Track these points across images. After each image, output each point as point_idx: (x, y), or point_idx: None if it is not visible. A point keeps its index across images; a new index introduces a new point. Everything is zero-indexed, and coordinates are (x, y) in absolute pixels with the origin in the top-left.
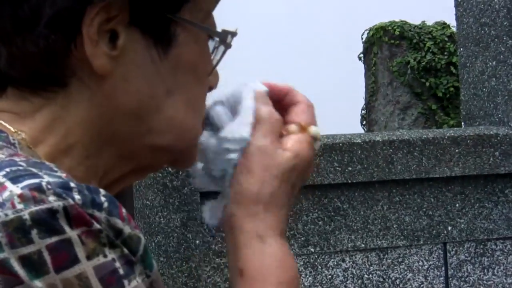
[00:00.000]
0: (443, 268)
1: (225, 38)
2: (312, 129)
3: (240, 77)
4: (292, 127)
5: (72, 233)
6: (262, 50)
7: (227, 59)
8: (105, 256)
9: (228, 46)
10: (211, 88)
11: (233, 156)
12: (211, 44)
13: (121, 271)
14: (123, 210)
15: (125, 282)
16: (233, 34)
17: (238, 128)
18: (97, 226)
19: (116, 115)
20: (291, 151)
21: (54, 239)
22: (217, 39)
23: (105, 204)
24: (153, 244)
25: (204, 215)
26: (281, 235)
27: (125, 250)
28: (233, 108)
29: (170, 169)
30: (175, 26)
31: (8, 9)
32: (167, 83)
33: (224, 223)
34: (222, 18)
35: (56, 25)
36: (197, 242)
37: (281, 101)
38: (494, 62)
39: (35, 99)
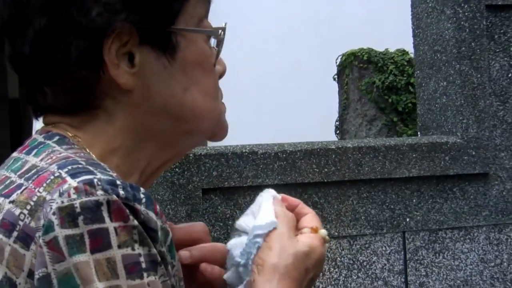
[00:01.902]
0: (402, 252)
1: (218, 34)
2: (322, 232)
3: (236, 91)
4: (305, 229)
5: (110, 224)
6: (253, 70)
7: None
8: (133, 249)
9: (221, 39)
10: (221, 75)
11: (259, 240)
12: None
13: (143, 265)
14: (158, 207)
15: (144, 274)
16: (223, 29)
17: (266, 217)
18: (133, 222)
19: (147, 117)
20: (305, 242)
21: (95, 226)
22: (212, 36)
23: (144, 200)
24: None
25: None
26: None
27: (153, 250)
28: (255, 213)
29: (177, 169)
30: (175, 36)
31: (46, 58)
32: (181, 81)
33: None
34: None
35: (83, 62)
36: None
37: (292, 211)
38: (445, 83)
39: (82, 117)
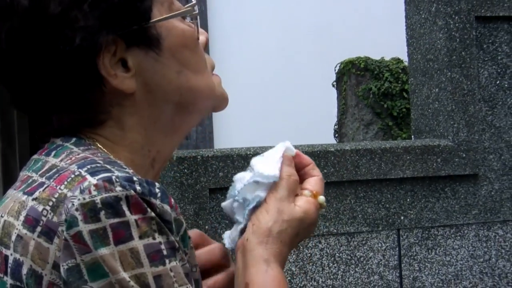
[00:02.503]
0: (397, 248)
1: (191, 11)
2: (320, 198)
3: (241, 97)
4: (306, 192)
5: (130, 217)
6: (257, 77)
7: (234, 84)
8: (154, 238)
9: (195, 14)
10: (206, 44)
11: (262, 194)
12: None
13: (164, 252)
14: (172, 200)
15: (166, 260)
16: (194, 4)
17: (270, 168)
18: (150, 214)
19: (151, 110)
20: (301, 207)
21: (116, 220)
22: (188, 15)
23: (159, 194)
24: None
25: (224, 241)
26: (281, 265)
27: (171, 237)
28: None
29: (185, 170)
30: (154, 29)
31: (48, 94)
32: (174, 66)
33: (238, 244)
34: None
35: (84, 85)
36: (206, 227)
37: (302, 169)
38: (437, 89)
39: (94, 127)
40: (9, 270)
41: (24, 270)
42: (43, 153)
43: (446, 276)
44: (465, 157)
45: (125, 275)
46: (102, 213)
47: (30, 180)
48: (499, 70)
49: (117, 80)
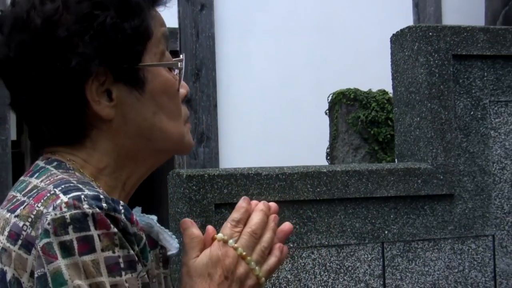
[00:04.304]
0: (381, 259)
1: (177, 65)
2: (218, 236)
3: (243, 123)
4: (219, 235)
5: (94, 232)
6: (258, 106)
7: (238, 109)
8: (114, 252)
9: (181, 68)
10: (185, 96)
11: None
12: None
13: (122, 265)
14: (134, 216)
15: (123, 272)
16: (181, 60)
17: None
18: (113, 230)
19: (125, 140)
20: (203, 255)
21: (82, 233)
22: (174, 67)
23: (123, 211)
24: (181, 239)
25: (175, 245)
26: None
27: (131, 251)
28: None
29: (194, 187)
30: (142, 72)
31: (40, 104)
32: (151, 107)
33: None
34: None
35: (70, 103)
36: None
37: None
38: (418, 118)
39: (74, 145)
40: None
41: (8, 278)
42: (28, 175)
43: (424, 284)
44: (442, 178)
45: (82, 283)
46: (71, 227)
47: (15, 200)
48: (473, 102)
49: (99, 106)
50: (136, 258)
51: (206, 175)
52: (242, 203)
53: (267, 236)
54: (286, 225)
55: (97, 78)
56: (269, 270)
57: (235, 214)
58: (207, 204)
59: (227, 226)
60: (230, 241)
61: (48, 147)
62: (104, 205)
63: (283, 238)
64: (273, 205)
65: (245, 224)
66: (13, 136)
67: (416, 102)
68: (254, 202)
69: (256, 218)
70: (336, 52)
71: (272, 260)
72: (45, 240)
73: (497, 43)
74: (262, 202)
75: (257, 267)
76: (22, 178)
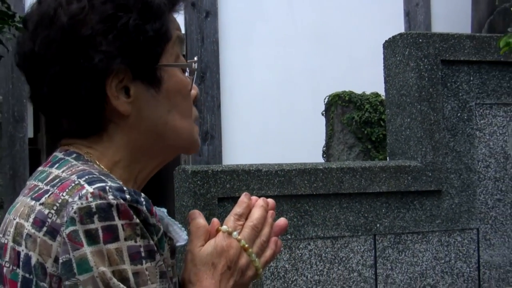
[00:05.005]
0: (373, 251)
1: (191, 66)
2: (223, 228)
3: (246, 125)
4: (223, 227)
5: (118, 222)
6: (259, 108)
7: (238, 112)
8: (135, 241)
9: (194, 70)
10: (195, 97)
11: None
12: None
13: (143, 254)
14: (154, 208)
15: (143, 261)
16: (195, 62)
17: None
18: (136, 220)
19: (140, 135)
20: (208, 245)
21: (107, 223)
22: (188, 68)
23: (144, 202)
24: (187, 230)
25: (184, 236)
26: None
27: (151, 242)
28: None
29: (198, 182)
30: (159, 72)
31: (61, 97)
32: (166, 106)
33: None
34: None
35: (91, 97)
36: None
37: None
38: (408, 119)
39: (91, 138)
40: (21, 263)
41: (33, 263)
42: (47, 165)
43: (413, 274)
44: (431, 175)
45: (106, 270)
46: (96, 216)
47: (37, 188)
48: (460, 105)
49: (117, 102)
50: (155, 248)
51: (210, 171)
52: (244, 198)
53: (266, 230)
54: (282, 221)
55: (117, 75)
56: (266, 262)
57: (238, 209)
58: (211, 198)
59: (230, 219)
60: (234, 233)
61: (65, 139)
62: (127, 196)
63: (278, 233)
64: (271, 201)
65: (246, 218)
66: (30, 134)
67: (406, 104)
68: (254, 198)
69: (257, 213)
70: (332, 57)
71: (268, 252)
72: (71, 228)
73: (483, 50)
74: (262, 198)
75: (256, 259)
76: (41, 168)
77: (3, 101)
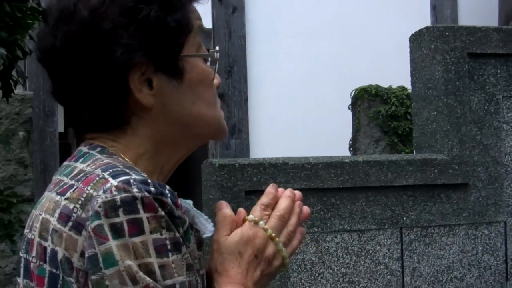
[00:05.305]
0: (400, 244)
1: (213, 56)
2: (249, 217)
3: (272, 113)
4: (250, 217)
5: (143, 215)
6: (287, 102)
7: (267, 108)
8: (161, 234)
9: (216, 60)
10: (218, 87)
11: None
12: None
13: (169, 247)
14: (179, 200)
15: (170, 253)
16: (217, 51)
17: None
18: (161, 213)
19: (164, 127)
20: (234, 234)
21: (132, 216)
22: (209, 58)
23: (169, 195)
24: (213, 222)
25: (210, 228)
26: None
27: (176, 234)
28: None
29: (225, 175)
30: (181, 63)
31: (83, 92)
32: (189, 96)
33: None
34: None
35: (114, 91)
36: None
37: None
38: (435, 113)
39: (115, 132)
40: (47, 259)
41: (59, 258)
42: (72, 160)
43: (440, 267)
44: (457, 169)
45: (132, 263)
46: (121, 210)
47: (62, 183)
48: (487, 98)
49: (140, 94)
50: (181, 240)
51: (237, 164)
52: (271, 189)
53: (293, 220)
54: (304, 208)
55: (139, 68)
56: (292, 252)
57: (265, 199)
58: (238, 191)
59: (257, 209)
60: (261, 222)
61: (89, 133)
62: (152, 189)
63: (302, 221)
64: (298, 193)
65: (273, 209)
66: (61, 128)
67: (433, 98)
68: (281, 189)
69: (284, 203)
70: (358, 51)
71: (294, 242)
72: (96, 222)
73: (510, 42)
74: (289, 189)
75: (283, 249)
76: (66, 163)
77: (34, 96)
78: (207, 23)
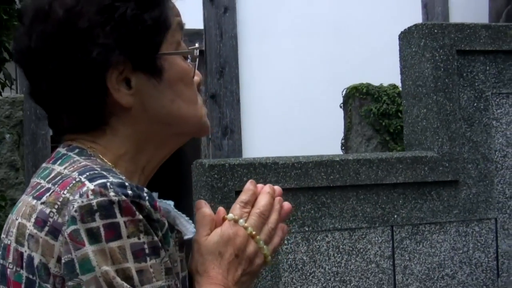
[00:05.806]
0: (390, 242)
1: (193, 53)
2: (229, 216)
3: (264, 116)
4: (229, 216)
5: (120, 219)
6: (278, 100)
7: (262, 104)
8: (139, 238)
9: (195, 57)
10: (199, 84)
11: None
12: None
13: (147, 251)
14: (157, 203)
15: (148, 258)
16: (196, 48)
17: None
18: (138, 217)
19: (144, 126)
20: (214, 233)
21: (108, 220)
22: (189, 55)
23: (147, 197)
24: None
25: (192, 229)
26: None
27: (155, 238)
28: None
29: (216, 175)
30: (159, 61)
31: (60, 92)
32: (168, 95)
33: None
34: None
35: (91, 91)
36: None
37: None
38: (424, 110)
39: (94, 132)
40: (24, 264)
41: (36, 264)
42: (51, 162)
43: (431, 265)
44: (448, 166)
45: (109, 269)
46: (97, 214)
47: (39, 186)
48: (476, 95)
49: (118, 94)
50: (160, 244)
51: (227, 164)
52: (250, 185)
53: (273, 217)
54: (286, 205)
55: (116, 67)
56: (274, 249)
57: (243, 196)
58: (228, 192)
59: (236, 207)
60: (241, 220)
61: (68, 134)
62: (129, 192)
63: (284, 217)
64: (277, 188)
65: (252, 206)
66: None
67: (423, 95)
68: (260, 185)
69: (263, 200)
70: (349, 50)
71: (276, 239)
72: (72, 227)
73: (498, 39)
74: (268, 185)
75: (265, 246)
76: (44, 165)
77: (25, 99)
78: (198, 23)
